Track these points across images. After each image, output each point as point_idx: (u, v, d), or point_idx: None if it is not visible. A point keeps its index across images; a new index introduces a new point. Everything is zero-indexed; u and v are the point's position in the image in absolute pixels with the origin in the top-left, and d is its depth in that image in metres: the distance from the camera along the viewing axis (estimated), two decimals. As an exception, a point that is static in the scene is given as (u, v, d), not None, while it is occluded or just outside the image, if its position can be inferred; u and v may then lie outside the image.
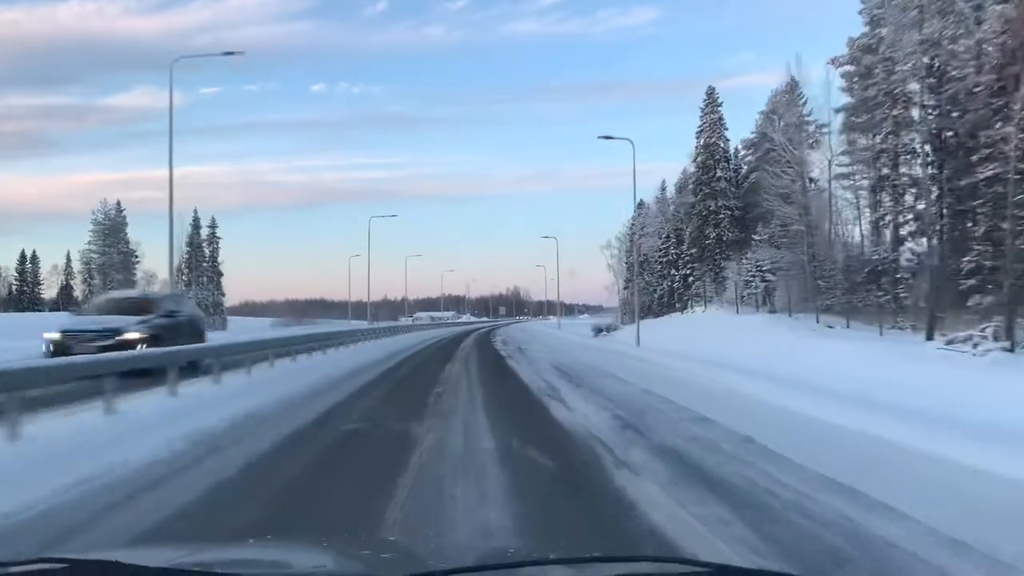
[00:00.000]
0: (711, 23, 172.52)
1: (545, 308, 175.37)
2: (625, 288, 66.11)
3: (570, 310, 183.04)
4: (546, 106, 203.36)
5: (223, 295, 73.86)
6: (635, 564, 1.59)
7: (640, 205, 62.02)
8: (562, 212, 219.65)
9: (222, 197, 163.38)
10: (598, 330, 49.55)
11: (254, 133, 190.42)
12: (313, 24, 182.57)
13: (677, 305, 51.93)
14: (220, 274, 73.89)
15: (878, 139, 30.29)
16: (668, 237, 56.54)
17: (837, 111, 33.07)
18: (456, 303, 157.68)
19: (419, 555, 2.05)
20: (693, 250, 48.94)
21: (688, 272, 50.45)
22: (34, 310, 66.14)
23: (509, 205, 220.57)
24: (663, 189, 62.49)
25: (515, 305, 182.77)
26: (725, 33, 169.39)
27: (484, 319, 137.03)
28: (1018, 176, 20.83)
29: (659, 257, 57.91)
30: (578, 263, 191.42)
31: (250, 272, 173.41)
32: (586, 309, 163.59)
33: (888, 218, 31.55)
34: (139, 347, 13.20)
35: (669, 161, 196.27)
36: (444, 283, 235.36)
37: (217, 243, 74.33)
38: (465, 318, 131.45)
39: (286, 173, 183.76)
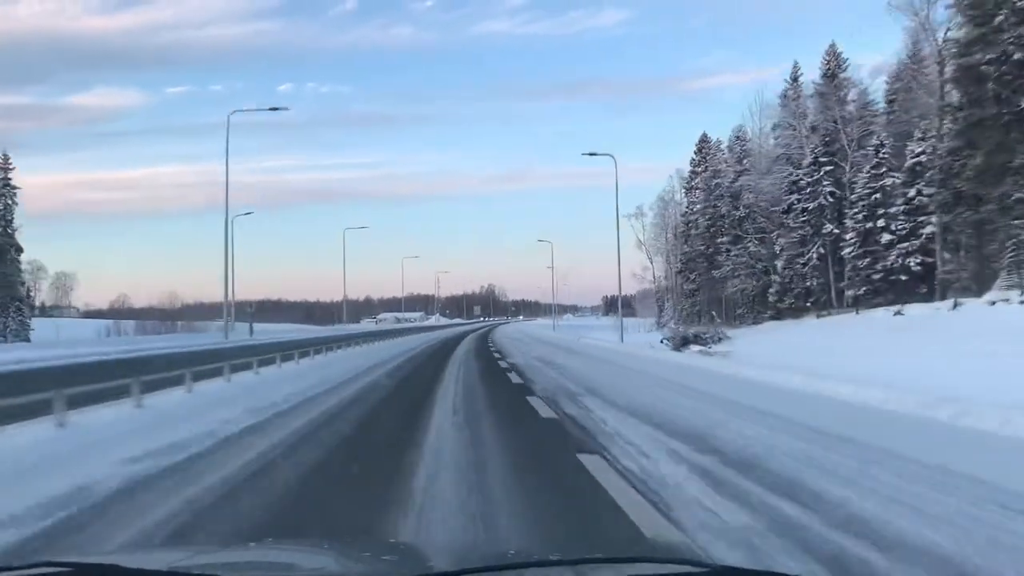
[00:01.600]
0: (681, 24, 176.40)
1: (525, 308, 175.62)
2: (679, 273, 52.97)
3: (546, 311, 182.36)
4: (517, 105, 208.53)
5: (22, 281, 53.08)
6: (637, 565, 1.59)
7: (702, 143, 50.80)
8: (536, 211, 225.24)
9: (189, 197, 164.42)
10: (683, 340, 26.16)
11: (220, 133, 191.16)
12: (280, 23, 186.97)
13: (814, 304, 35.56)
14: (18, 249, 50.97)
15: None
16: (816, 163, 36.33)
17: None
18: (425, 303, 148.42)
19: (421, 557, 2.05)
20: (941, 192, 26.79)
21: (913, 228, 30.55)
22: None
23: (481, 205, 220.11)
24: (794, 78, 42.15)
25: (492, 304, 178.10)
26: (695, 33, 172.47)
27: (457, 320, 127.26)
28: None
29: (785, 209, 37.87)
30: (547, 263, 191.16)
31: (211, 272, 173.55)
32: (567, 309, 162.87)
33: None
34: None
35: (641, 161, 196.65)
36: (412, 282, 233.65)
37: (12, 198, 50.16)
38: (434, 319, 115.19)
39: (253, 174, 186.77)
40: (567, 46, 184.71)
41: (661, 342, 27.74)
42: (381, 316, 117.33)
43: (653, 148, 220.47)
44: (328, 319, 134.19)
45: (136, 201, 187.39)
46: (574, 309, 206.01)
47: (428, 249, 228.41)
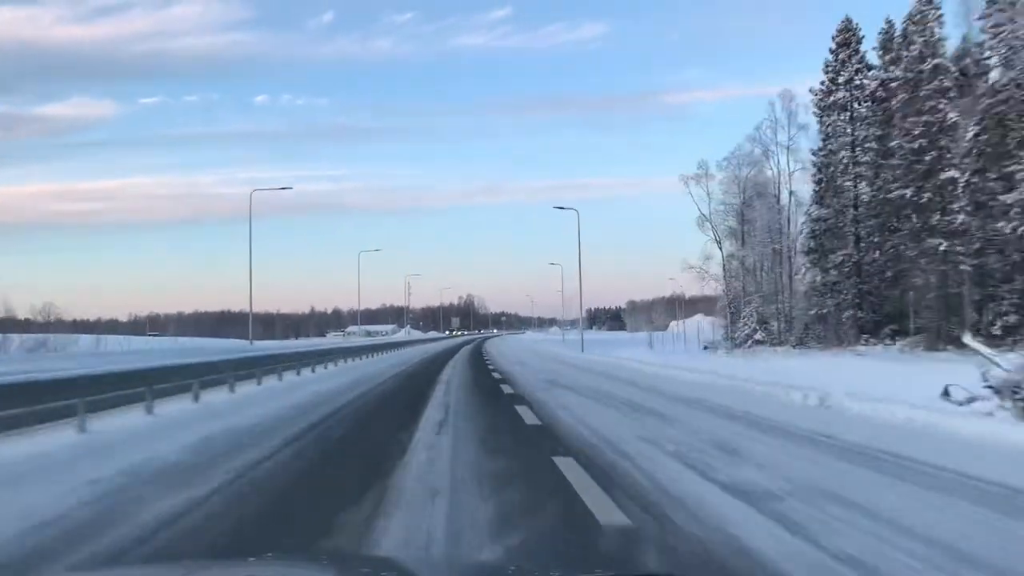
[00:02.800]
0: (657, 40, 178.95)
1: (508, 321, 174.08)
2: (808, 254, 33.89)
3: (526, 324, 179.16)
4: (493, 119, 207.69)
5: None
6: None
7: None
8: (508, 226, 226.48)
9: (163, 208, 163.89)
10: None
11: (195, 144, 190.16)
12: (256, 35, 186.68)
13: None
14: None
15: None
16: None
17: None
18: (398, 315, 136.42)
19: (417, 572, 2.05)
20: None
21: None
22: None
23: (459, 217, 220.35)
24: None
25: (471, 316, 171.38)
26: (671, 49, 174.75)
27: (432, 333, 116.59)
28: None
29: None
30: (525, 277, 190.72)
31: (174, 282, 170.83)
32: (546, 323, 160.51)
33: None
34: None
35: (615, 177, 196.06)
36: (386, 294, 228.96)
37: None
38: (402, 334, 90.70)
39: (229, 185, 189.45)
40: (544, 60, 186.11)
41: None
42: (350, 329, 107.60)
43: (632, 165, 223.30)
44: (291, 332, 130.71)
45: (106, 213, 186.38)
46: (551, 323, 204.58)
47: (404, 262, 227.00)
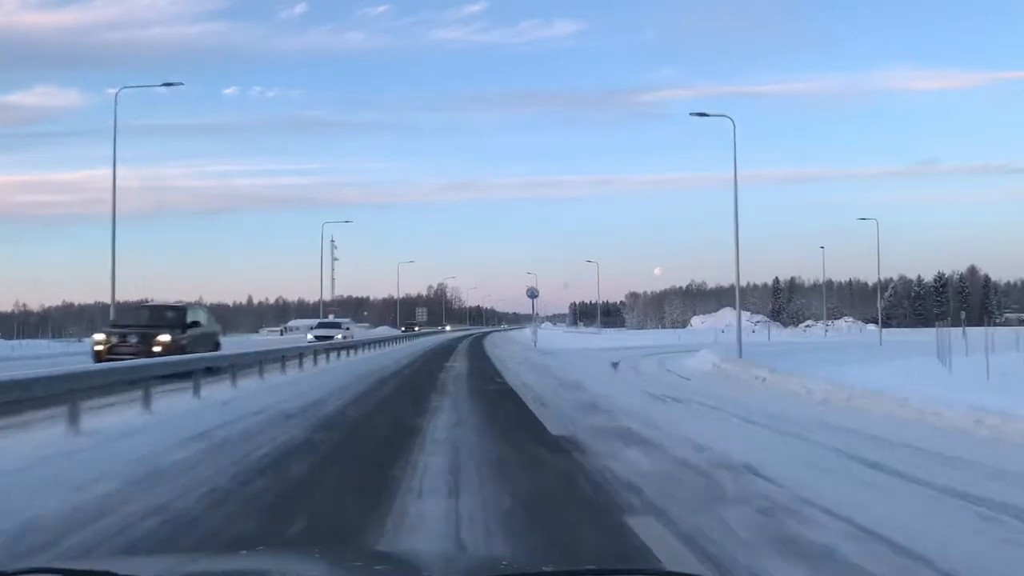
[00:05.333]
0: (632, 38, 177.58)
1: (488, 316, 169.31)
2: None
3: (498, 319, 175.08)
4: (466, 115, 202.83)
5: None
6: None
7: None
8: (489, 221, 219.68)
9: (131, 201, 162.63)
10: None
11: (163, 136, 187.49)
12: (226, 25, 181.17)
13: None
14: None
15: None
16: None
17: None
18: (356, 306, 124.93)
19: (413, 566, 2.05)
20: None
21: None
22: None
23: (432, 213, 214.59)
24: None
25: (443, 309, 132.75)
26: (646, 48, 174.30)
27: (383, 329, 77.72)
28: None
29: None
30: (498, 274, 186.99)
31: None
32: (522, 319, 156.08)
33: None
34: None
35: (585, 175, 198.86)
36: (342, 286, 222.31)
37: None
38: (342, 334, 41.90)
39: (198, 178, 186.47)
40: (519, 56, 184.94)
41: None
42: (292, 324, 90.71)
43: (603, 160, 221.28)
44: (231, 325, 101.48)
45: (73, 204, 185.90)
46: (529, 319, 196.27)
47: (375, 257, 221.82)
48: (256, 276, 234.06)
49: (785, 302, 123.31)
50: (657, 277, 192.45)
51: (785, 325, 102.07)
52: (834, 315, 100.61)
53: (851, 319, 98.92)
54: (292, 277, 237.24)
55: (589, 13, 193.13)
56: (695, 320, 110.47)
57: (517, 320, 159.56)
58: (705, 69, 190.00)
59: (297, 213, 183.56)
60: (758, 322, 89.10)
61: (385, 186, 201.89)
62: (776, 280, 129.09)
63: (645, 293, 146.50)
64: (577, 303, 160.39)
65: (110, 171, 25.17)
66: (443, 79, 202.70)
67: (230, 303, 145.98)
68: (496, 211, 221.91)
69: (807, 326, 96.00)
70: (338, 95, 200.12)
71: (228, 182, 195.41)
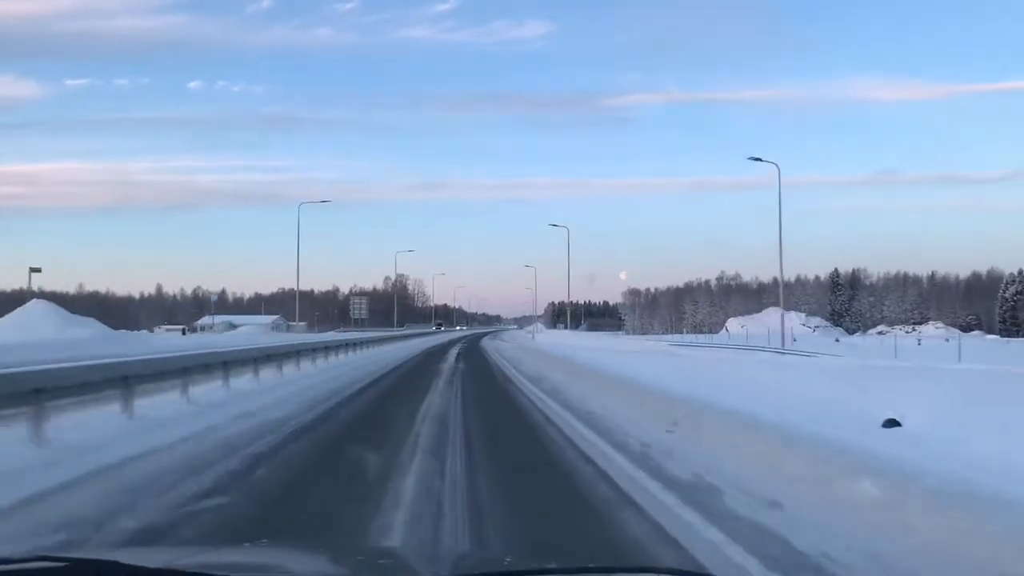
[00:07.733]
0: (601, 41, 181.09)
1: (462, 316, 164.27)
2: None
3: (471, 320, 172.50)
4: (434, 114, 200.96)
5: None
6: (636, 575, 1.58)
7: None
8: (455, 223, 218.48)
9: (90, 195, 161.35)
10: None
11: (124, 130, 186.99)
12: (191, 18, 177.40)
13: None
14: None
15: None
16: None
17: None
18: (291, 301, 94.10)
19: (415, 562, 2.05)
20: None
21: None
22: None
23: (397, 212, 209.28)
24: None
25: (395, 306, 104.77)
26: (614, 51, 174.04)
27: (311, 335, 58.66)
28: None
29: None
30: (471, 273, 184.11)
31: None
32: (492, 320, 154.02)
33: None
34: None
35: (557, 177, 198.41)
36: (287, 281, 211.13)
37: None
38: (267, 338, 38.07)
39: (159, 173, 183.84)
40: (488, 56, 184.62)
41: None
42: (203, 321, 79.72)
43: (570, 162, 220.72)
44: (127, 320, 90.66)
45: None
46: (498, 320, 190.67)
47: (343, 256, 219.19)
48: (205, 272, 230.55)
49: (847, 301, 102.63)
50: (623, 281, 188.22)
51: (850, 331, 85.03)
52: (913, 318, 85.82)
53: (940, 324, 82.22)
54: (239, 272, 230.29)
55: (558, 15, 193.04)
56: (731, 323, 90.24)
57: (488, 322, 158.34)
58: (676, 75, 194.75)
59: (262, 210, 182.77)
60: (816, 327, 76.22)
61: (350, 184, 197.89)
62: (835, 272, 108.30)
63: (648, 291, 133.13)
64: (556, 303, 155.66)
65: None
66: (412, 78, 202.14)
67: (136, 295, 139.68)
68: (466, 211, 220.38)
69: (880, 332, 78.24)
70: (305, 91, 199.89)
71: (189, 177, 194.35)
